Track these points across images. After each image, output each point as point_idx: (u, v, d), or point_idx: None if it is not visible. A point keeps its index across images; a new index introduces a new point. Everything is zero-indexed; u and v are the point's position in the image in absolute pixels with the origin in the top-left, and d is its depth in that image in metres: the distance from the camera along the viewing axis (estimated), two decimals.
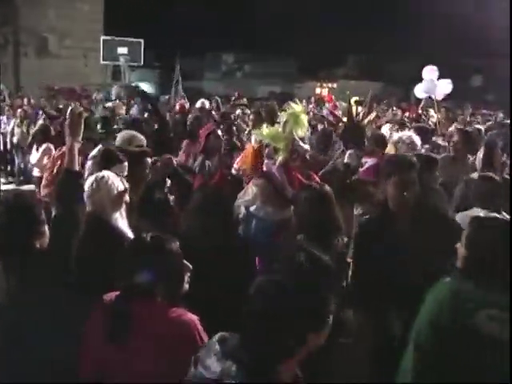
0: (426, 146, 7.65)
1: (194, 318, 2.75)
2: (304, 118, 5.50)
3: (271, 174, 4.96)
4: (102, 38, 26.41)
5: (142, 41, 26.69)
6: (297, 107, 5.44)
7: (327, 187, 4.21)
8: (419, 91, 11.45)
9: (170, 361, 2.62)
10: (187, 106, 13.72)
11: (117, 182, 3.94)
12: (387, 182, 4.30)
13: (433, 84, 10.88)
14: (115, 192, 3.82)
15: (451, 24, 34.70)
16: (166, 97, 18.18)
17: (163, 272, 2.78)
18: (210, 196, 4.11)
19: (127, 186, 4.08)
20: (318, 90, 41.50)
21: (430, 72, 11.02)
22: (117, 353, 2.69)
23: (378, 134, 7.71)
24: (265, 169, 5.26)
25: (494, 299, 2.86)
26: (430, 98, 11.60)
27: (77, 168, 3.38)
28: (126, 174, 4.70)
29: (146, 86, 30.90)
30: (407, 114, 17.14)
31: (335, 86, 39.67)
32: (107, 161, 4.50)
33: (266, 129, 5.39)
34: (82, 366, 2.80)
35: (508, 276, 2.85)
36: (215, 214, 3.88)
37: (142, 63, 27.64)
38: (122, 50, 25.55)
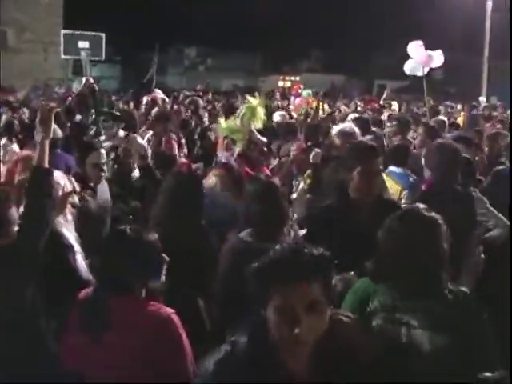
0: (368, 136, 7.74)
1: (170, 311, 2.72)
2: (260, 111, 5.58)
3: (229, 165, 5.05)
4: (63, 31, 25.98)
5: (103, 35, 26.32)
6: (254, 101, 5.52)
7: (274, 180, 4.22)
8: (410, 68, 11.24)
9: (147, 355, 2.60)
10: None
11: (63, 181, 3.83)
12: (351, 170, 4.27)
13: (427, 57, 10.75)
14: (59, 193, 3.71)
15: (413, 19, 35.09)
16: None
17: (141, 264, 2.75)
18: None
19: (76, 186, 4.02)
20: (281, 84, 41.57)
21: (416, 48, 10.83)
22: (94, 348, 2.66)
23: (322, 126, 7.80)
24: (223, 159, 5.33)
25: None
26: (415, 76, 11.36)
27: (46, 165, 3.31)
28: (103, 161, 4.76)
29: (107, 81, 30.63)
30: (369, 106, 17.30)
31: (298, 79, 39.75)
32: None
33: (224, 121, 5.45)
34: (63, 362, 2.78)
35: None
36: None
37: (104, 58, 27.29)
38: (83, 44, 25.12)
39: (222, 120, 5.62)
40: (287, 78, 44.11)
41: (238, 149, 5.32)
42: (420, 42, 10.80)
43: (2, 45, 27.01)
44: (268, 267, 1.97)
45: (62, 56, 25.69)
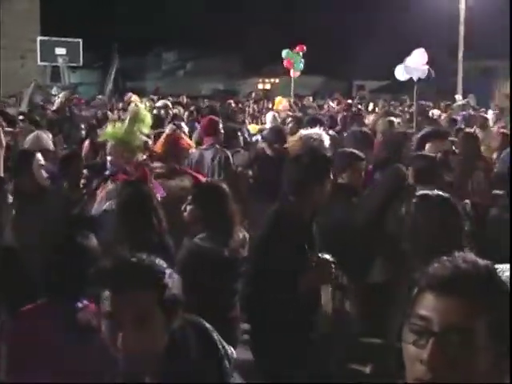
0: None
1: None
2: (147, 116, 5.56)
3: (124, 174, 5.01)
4: (39, 38, 25.88)
5: (80, 41, 26.25)
6: (141, 105, 5.50)
7: (222, 183, 4.26)
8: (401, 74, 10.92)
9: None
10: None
11: None
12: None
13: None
14: None
15: (388, 21, 35.38)
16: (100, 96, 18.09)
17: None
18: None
19: None
20: (260, 86, 41.66)
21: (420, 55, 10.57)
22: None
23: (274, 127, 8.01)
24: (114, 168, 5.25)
25: None
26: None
27: (1, 174, 3.35)
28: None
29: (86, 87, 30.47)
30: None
31: (277, 81, 39.83)
32: None
33: (109, 128, 5.35)
34: None
35: None
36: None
37: (82, 64, 27.20)
38: (61, 51, 25.06)
39: (109, 126, 5.47)
40: (266, 80, 44.18)
41: (128, 155, 5.22)
42: (422, 50, 10.74)
43: None
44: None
45: (39, 62, 25.57)
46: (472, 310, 1.37)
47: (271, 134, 7.30)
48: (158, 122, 9.48)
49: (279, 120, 10.27)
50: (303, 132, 6.35)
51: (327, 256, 3.71)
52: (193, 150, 6.78)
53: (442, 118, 13.10)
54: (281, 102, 14.31)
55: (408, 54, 10.78)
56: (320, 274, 3.72)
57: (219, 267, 3.83)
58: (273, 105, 16.96)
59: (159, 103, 12.49)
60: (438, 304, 1.39)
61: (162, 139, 6.15)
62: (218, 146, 6.88)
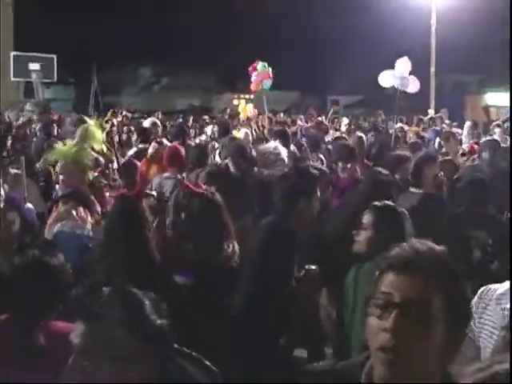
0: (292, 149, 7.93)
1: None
2: (97, 132, 5.59)
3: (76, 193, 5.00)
4: (12, 53, 25.68)
5: (54, 56, 26.08)
6: (91, 122, 5.56)
7: (217, 195, 4.27)
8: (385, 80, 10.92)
9: None
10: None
11: None
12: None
13: (405, 80, 10.63)
14: None
15: (362, 34, 35.76)
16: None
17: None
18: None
19: None
20: (235, 102, 41.74)
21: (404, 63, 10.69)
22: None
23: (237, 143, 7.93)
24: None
25: None
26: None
27: None
28: None
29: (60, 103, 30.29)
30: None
31: (252, 97, 39.99)
32: None
33: (59, 147, 5.32)
34: None
35: None
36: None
37: (56, 79, 27.04)
38: (34, 66, 24.86)
39: (59, 145, 5.44)
40: (241, 96, 44.33)
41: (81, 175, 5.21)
42: (406, 58, 10.77)
43: None
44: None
45: (12, 78, 25.37)
46: (428, 287, 1.58)
47: (234, 150, 7.20)
48: (143, 138, 9.56)
49: (251, 135, 10.36)
50: (260, 147, 6.58)
51: (313, 267, 4.06)
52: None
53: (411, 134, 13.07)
54: (246, 110, 14.35)
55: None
56: (308, 285, 4.01)
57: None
58: (247, 119, 16.92)
59: (147, 121, 12.50)
60: (399, 281, 1.60)
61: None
62: (179, 176, 6.74)
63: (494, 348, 2.63)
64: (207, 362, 2.21)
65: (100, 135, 5.71)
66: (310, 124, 15.50)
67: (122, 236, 3.85)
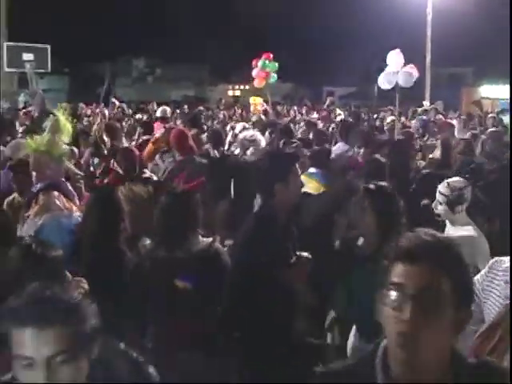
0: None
1: None
2: (66, 125, 5.58)
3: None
4: (6, 44, 25.49)
5: (48, 47, 25.87)
6: (60, 114, 5.55)
7: (190, 191, 4.29)
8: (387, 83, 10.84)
9: None
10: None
11: None
12: None
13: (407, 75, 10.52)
14: None
15: (359, 27, 35.69)
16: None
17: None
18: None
19: None
20: (230, 93, 41.70)
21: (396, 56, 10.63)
22: None
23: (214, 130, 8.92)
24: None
25: None
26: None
27: None
28: None
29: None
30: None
31: (247, 87, 39.92)
32: None
33: (29, 141, 5.30)
34: None
35: None
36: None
37: (50, 70, 26.86)
38: (28, 57, 24.66)
39: (28, 139, 5.42)
40: (236, 87, 44.25)
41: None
42: (398, 50, 10.71)
43: None
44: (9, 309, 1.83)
45: (6, 69, 25.21)
46: (436, 274, 1.66)
47: (213, 136, 7.86)
48: (146, 129, 9.68)
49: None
50: (240, 134, 6.96)
51: (305, 254, 3.94)
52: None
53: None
54: (256, 102, 15.22)
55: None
56: (298, 272, 3.88)
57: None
58: (242, 111, 17.19)
59: (159, 110, 13.31)
60: (407, 271, 1.68)
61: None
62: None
63: (497, 314, 2.85)
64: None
65: (69, 128, 5.67)
66: (312, 115, 16.11)
67: (94, 228, 4.06)
